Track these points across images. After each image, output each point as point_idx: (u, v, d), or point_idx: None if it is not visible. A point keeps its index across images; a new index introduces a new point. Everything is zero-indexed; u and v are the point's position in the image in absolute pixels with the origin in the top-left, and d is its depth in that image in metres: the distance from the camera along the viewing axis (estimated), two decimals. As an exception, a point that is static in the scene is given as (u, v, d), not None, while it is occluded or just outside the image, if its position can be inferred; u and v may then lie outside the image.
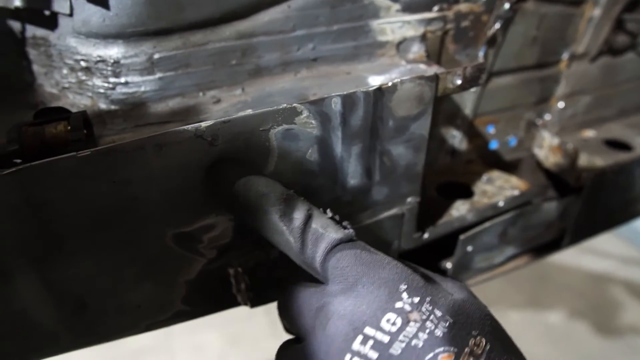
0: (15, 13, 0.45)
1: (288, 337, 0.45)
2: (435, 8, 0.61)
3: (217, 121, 0.42)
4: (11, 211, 0.39)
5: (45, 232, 0.41)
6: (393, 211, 0.58)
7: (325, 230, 0.40)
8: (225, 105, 0.53)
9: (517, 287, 2.60)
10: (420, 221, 0.64)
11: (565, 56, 0.78)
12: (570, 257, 2.73)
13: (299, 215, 0.40)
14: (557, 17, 0.73)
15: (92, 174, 0.40)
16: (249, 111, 0.44)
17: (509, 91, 0.77)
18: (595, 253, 2.82)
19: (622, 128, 0.91)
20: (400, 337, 0.33)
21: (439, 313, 0.35)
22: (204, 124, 0.42)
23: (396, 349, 0.33)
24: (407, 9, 0.59)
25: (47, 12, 0.47)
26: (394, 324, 0.34)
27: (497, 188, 0.74)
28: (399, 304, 0.35)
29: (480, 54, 0.68)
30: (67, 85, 0.51)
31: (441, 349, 0.32)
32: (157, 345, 2.21)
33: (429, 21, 0.61)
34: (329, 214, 0.43)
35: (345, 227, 0.42)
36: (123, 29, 0.48)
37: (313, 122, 0.46)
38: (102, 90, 0.50)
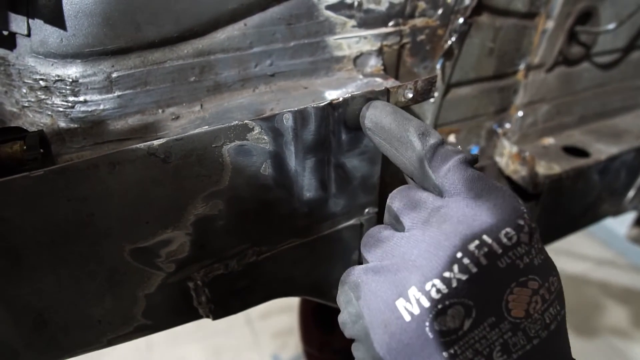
0: (-28, 33, 0.46)
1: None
2: (391, 23, 0.63)
3: (170, 139, 0.43)
4: None
5: (1, 249, 0.42)
6: (351, 222, 0.60)
7: (456, 152, 0.42)
8: (184, 122, 0.54)
9: (496, 291, 2.63)
10: (383, 230, 0.66)
11: (522, 67, 0.81)
12: (548, 260, 2.78)
13: (434, 137, 0.44)
14: (511, 29, 0.75)
15: (47, 192, 0.41)
16: (204, 128, 0.45)
17: (469, 101, 0.79)
18: (570, 255, 2.87)
19: (581, 135, 0.94)
20: (509, 254, 0.35)
21: (539, 246, 0.37)
22: (156, 142, 0.43)
23: (502, 263, 0.35)
24: (363, 24, 0.61)
25: (5, 33, 0.47)
26: (510, 239, 0.35)
27: (459, 196, 0.76)
28: (520, 222, 0.36)
29: (438, 66, 0.71)
30: (26, 104, 0.51)
31: (533, 276, 0.35)
32: (138, 359, 2.19)
33: (385, 36, 0.63)
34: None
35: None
36: (81, 48, 0.49)
37: (265, 137, 0.48)
38: (61, 109, 0.51)
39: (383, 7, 0.61)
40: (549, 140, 0.90)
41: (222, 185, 0.48)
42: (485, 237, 0.35)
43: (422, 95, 0.56)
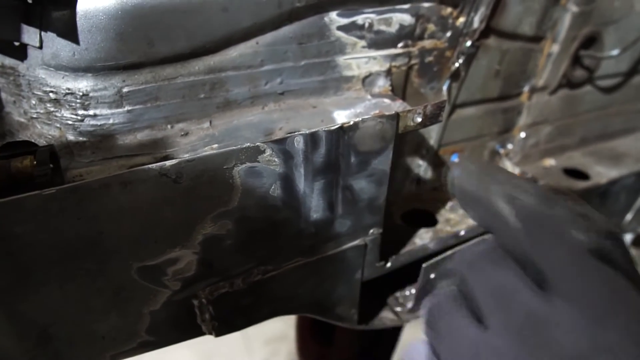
0: (-17, 42, 0.46)
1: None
2: (400, 44, 0.63)
3: (182, 160, 0.43)
4: None
5: (10, 265, 0.42)
6: (356, 242, 0.60)
7: (579, 228, 0.33)
8: (193, 139, 0.54)
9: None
10: (385, 249, 0.66)
11: (526, 89, 0.82)
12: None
13: (541, 202, 0.37)
14: (518, 52, 0.76)
15: (58, 210, 0.41)
16: (214, 148, 0.45)
17: (473, 122, 0.80)
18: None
19: (581, 156, 0.94)
20: None
21: None
22: (168, 163, 0.43)
23: None
24: (373, 45, 0.61)
25: (16, 43, 0.47)
26: None
27: (461, 215, 0.76)
28: None
29: (444, 87, 0.71)
30: (35, 115, 0.51)
31: None
32: (128, 362, 2.18)
33: (394, 57, 0.64)
34: None
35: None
36: (93, 63, 0.48)
37: (276, 159, 0.48)
38: (70, 122, 0.51)
39: (393, 28, 0.61)
40: (550, 162, 0.91)
41: (232, 206, 0.48)
42: None
43: (431, 119, 0.56)
